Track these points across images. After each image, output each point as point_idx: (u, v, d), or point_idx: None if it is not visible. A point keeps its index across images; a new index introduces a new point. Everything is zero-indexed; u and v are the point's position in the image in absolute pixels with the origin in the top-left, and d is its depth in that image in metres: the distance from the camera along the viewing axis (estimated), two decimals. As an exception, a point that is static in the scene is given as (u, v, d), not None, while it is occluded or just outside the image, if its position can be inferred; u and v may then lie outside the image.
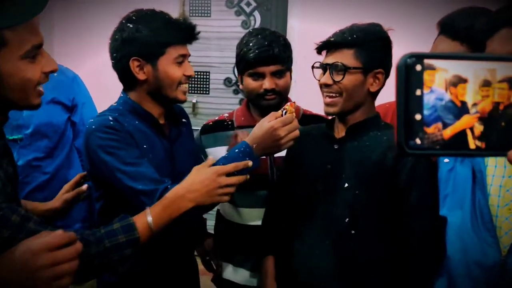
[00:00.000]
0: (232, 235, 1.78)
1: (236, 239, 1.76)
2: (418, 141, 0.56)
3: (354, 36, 1.38)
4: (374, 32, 1.41)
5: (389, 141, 1.39)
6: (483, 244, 1.15)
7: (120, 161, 1.31)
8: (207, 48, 3.49)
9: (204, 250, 1.85)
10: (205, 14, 3.52)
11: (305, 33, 3.15)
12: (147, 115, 1.45)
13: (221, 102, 3.57)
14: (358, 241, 1.36)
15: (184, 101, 1.48)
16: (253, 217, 1.72)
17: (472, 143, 0.57)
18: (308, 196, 1.46)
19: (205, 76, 3.57)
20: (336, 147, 1.45)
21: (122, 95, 1.48)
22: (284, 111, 1.38)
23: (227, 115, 1.84)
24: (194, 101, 3.59)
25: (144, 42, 1.38)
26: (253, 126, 1.74)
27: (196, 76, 3.52)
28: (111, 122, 1.36)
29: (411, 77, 0.56)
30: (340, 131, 1.46)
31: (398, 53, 0.67)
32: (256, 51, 1.64)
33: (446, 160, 1.29)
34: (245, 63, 1.67)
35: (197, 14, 3.55)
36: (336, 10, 3.12)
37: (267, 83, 1.65)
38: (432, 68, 0.56)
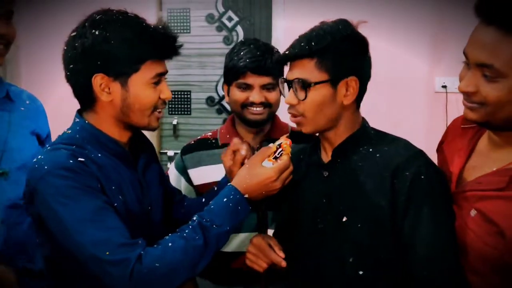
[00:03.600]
0: (217, 265, 1.57)
1: (222, 268, 1.61)
2: None
3: (312, 43, 1.13)
4: (337, 32, 1.15)
5: (383, 158, 1.16)
6: None
7: (78, 218, 1.02)
8: (188, 66, 3.26)
9: None
10: (185, 30, 3.32)
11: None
12: (112, 144, 1.17)
13: (204, 123, 3.35)
14: (367, 282, 1.15)
15: (156, 128, 1.23)
16: (238, 242, 1.61)
17: None
18: (307, 236, 1.25)
19: (186, 96, 3.35)
20: (325, 174, 1.23)
21: (77, 119, 1.19)
22: (280, 151, 1.19)
23: (210, 134, 1.74)
24: (174, 122, 3.36)
25: (112, 55, 1.10)
26: None
27: (176, 96, 3.28)
28: (70, 161, 1.06)
29: None
30: (327, 153, 1.25)
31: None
32: (247, 60, 1.53)
33: None
34: (234, 72, 1.55)
35: (176, 30, 3.33)
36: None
37: (255, 96, 1.54)
38: None
